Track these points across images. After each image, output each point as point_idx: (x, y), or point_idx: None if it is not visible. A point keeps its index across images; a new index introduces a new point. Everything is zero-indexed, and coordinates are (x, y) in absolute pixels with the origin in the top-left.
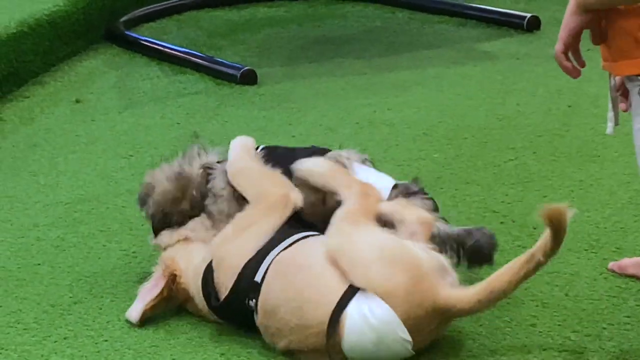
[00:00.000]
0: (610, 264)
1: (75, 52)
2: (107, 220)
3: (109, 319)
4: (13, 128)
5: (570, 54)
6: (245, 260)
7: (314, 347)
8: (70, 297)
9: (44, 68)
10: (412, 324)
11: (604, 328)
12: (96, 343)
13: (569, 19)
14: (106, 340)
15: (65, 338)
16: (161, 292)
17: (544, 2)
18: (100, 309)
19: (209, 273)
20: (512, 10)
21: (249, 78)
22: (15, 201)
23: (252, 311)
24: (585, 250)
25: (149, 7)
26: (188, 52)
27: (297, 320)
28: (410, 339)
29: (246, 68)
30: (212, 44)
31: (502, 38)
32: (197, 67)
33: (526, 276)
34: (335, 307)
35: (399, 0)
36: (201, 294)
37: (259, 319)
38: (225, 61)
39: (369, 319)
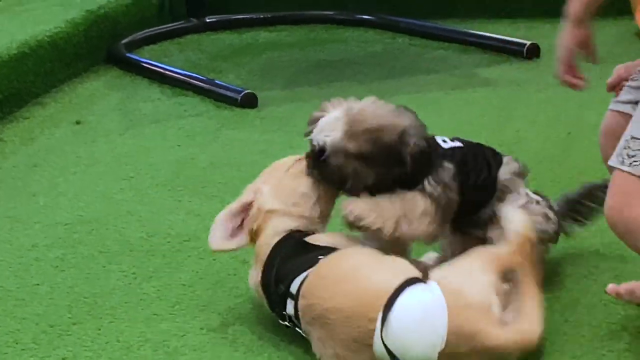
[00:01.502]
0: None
1: (76, 73)
2: (107, 242)
3: (108, 340)
4: (13, 148)
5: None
6: None
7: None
8: (69, 318)
9: (44, 89)
10: (452, 336)
11: (603, 355)
12: None
13: (562, 36)
14: None
15: (63, 359)
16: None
17: (544, 30)
18: (99, 330)
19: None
20: (512, 37)
21: (250, 101)
22: (15, 221)
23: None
24: (585, 276)
25: (150, 29)
26: (189, 74)
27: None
28: (445, 337)
29: (247, 91)
30: (214, 66)
31: (502, 65)
32: (198, 90)
33: None
34: (397, 288)
35: (400, 26)
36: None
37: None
38: (226, 84)
39: (421, 295)
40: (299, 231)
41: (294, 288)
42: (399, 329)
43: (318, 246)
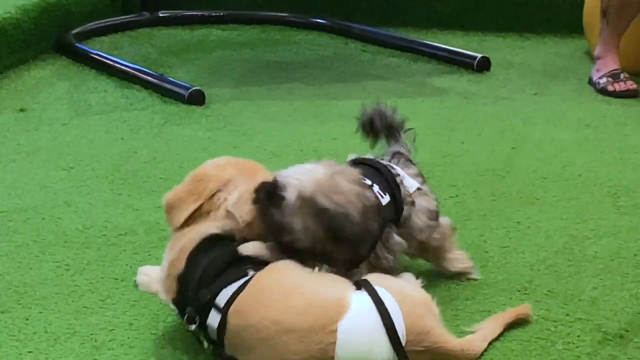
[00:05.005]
0: None
1: (23, 60)
2: (42, 231)
3: (35, 330)
4: None
5: None
6: None
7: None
8: None
9: None
10: (410, 335)
11: None
12: (20, 354)
13: None
14: (31, 352)
15: None
16: None
17: (495, 44)
18: (27, 319)
19: None
20: (464, 49)
21: (197, 98)
22: None
23: None
24: (518, 291)
25: (102, 21)
26: (137, 68)
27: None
28: (404, 335)
29: (194, 88)
30: (163, 61)
31: (452, 76)
32: (145, 84)
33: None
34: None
35: (353, 32)
36: None
37: None
38: (174, 80)
39: (378, 294)
40: (225, 237)
41: (221, 300)
42: (358, 334)
43: (246, 257)
